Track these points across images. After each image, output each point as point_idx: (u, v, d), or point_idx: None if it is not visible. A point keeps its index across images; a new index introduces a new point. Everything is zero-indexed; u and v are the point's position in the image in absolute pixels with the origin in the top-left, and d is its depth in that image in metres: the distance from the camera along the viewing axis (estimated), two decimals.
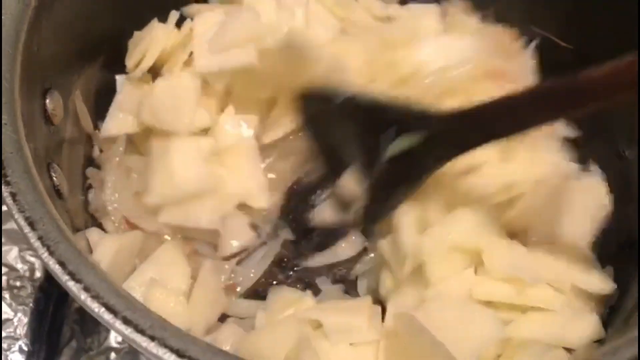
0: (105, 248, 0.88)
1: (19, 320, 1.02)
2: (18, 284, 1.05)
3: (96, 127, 1.03)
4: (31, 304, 1.04)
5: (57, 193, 0.81)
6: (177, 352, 0.55)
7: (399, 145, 0.87)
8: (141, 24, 1.06)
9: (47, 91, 0.84)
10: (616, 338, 0.72)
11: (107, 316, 0.57)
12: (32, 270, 1.06)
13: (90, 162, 1.02)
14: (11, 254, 1.07)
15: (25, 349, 1.01)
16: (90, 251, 0.92)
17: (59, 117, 0.87)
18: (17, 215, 0.62)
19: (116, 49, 1.04)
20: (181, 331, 0.57)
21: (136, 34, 1.03)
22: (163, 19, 1.06)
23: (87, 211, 0.98)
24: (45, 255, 0.59)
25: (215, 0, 1.13)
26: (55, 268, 0.59)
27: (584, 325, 0.83)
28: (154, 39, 0.99)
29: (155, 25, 1.02)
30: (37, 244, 0.60)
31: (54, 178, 0.80)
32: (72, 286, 0.58)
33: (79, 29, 0.92)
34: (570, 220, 0.90)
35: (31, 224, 0.61)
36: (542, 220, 0.91)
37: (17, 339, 1.01)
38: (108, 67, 1.04)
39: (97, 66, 1.01)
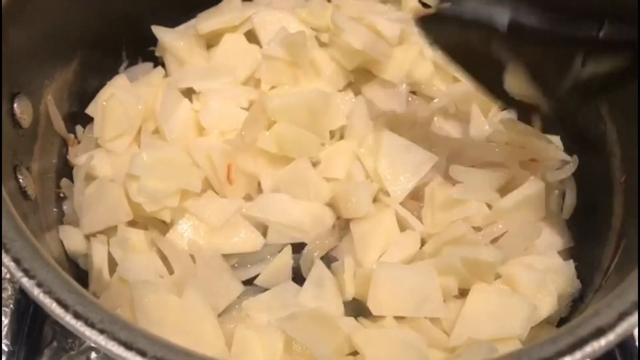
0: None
1: None
2: None
3: (71, 130, 1.05)
4: (12, 305, 1.05)
5: (23, 194, 0.82)
6: (124, 345, 0.57)
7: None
8: (115, 29, 1.09)
9: (15, 95, 0.86)
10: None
11: (58, 310, 0.58)
12: None
13: (65, 164, 1.04)
14: None
15: (6, 349, 1.02)
16: (63, 246, 0.95)
17: (28, 121, 0.88)
18: None
19: (91, 54, 1.06)
20: (130, 325, 0.59)
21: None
22: (133, 26, 1.10)
23: (61, 222, 1.00)
24: None
25: (182, 28, 1.16)
26: (10, 265, 0.61)
27: (519, 310, 0.87)
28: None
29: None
30: None
31: (20, 180, 0.82)
32: (25, 282, 0.60)
33: (49, 36, 0.93)
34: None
35: None
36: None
37: None
38: (82, 72, 1.05)
39: (70, 71, 1.03)
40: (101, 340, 0.57)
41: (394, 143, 0.99)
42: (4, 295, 1.07)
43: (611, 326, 0.60)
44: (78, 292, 0.60)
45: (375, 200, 1.00)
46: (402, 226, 0.98)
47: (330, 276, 0.96)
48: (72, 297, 0.59)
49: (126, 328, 0.58)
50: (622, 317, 0.60)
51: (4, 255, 0.61)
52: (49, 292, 0.59)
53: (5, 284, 1.07)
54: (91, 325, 0.58)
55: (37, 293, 0.59)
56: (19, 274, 0.60)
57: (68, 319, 0.58)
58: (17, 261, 0.61)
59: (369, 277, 0.90)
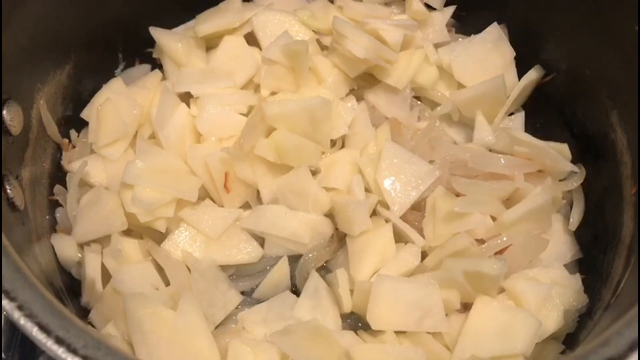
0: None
1: None
2: None
3: (65, 135, 1.03)
4: (4, 313, 1.03)
5: (10, 206, 0.80)
6: None
7: None
8: (110, 30, 1.06)
9: (4, 102, 0.83)
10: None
11: (40, 336, 0.56)
12: None
13: (59, 170, 1.02)
14: None
15: None
16: (55, 255, 0.93)
17: (18, 127, 0.86)
18: None
19: (85, 57, 1.03)
20: (116, 350, 0.56)
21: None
22: (130, 27, 1.07)
23: (54, 230, 0.98)
24: None
25: (180, 29, 1.13)
26: None
27: (524, 325, 0.84)
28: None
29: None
30: None
31: (9, 191, 0.80)
32: (5, 305, 0.57)
33: (40, 38, 0.91)
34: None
35: None
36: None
37: None
38: (77, 75, 1.02)
39: (64, 74, 1.00)
40: None
41: (395, 154, 0.96)
42: None
43: (621, 357, 0.57)
44: (61, 314, 0.58)
45: (374, 213, 0.97)
46: (402, 239, 0.96)
47: (327, 288, 0.93)
48: (54, 321, 0.57)
49: (111, 354, 0.56)
50: (632, 347, 0.57)
51: None
52: (29, 316, 0.57)
53: None
54: (74, 351, 0.55)
55: (17, 317, 0.57)
56: None
57: (50, 345, 0.56)
58: None
59: (368, 290, 0.87)
